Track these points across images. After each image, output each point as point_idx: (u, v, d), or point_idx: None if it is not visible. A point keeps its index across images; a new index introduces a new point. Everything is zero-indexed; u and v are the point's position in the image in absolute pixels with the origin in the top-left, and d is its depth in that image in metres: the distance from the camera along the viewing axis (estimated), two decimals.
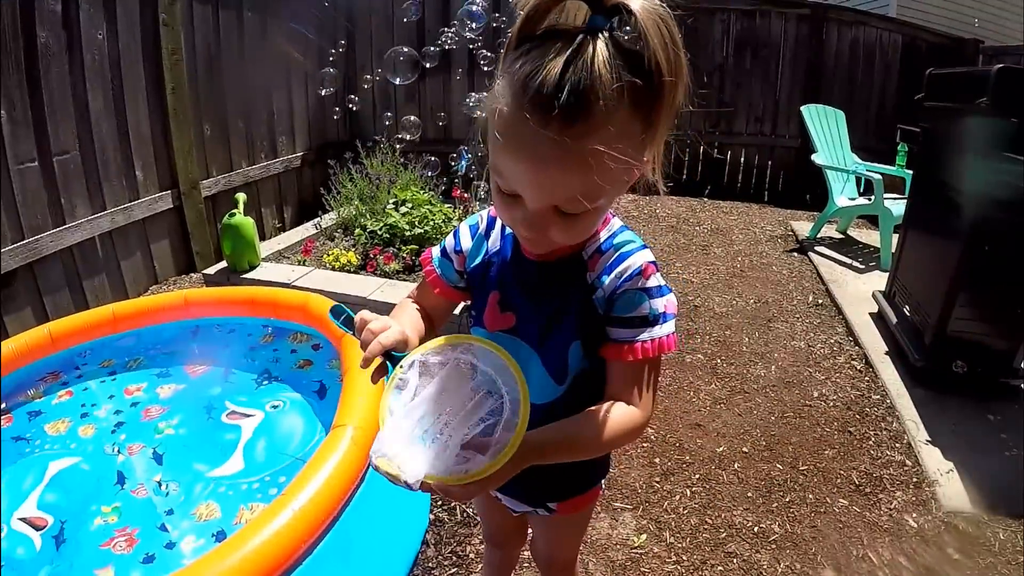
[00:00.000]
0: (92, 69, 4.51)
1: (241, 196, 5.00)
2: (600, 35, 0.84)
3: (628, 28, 0.86)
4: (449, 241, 1.34)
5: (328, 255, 5.07)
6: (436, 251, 1.37)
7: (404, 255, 4.91)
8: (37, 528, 2.33)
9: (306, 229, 5.98)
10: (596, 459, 1.34)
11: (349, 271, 4.86)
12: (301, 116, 6.74)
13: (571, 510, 1.46)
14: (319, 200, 6.21)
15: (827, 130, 6.59)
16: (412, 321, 1.32)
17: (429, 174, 5.49)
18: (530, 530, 1.82)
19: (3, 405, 2.92)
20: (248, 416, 2.95)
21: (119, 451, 2.73)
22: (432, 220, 5.17)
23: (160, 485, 2.51)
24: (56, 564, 2.18)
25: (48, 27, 4.18)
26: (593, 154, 0.86)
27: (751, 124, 8.20)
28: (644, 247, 1.15)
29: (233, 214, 4.84)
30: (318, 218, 6.03)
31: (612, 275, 1.11)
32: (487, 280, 1.25)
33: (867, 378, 3.81)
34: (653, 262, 1.14)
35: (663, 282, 1.14)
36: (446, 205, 5.49)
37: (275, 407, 3.01)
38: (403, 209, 5.32)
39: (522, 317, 1.20)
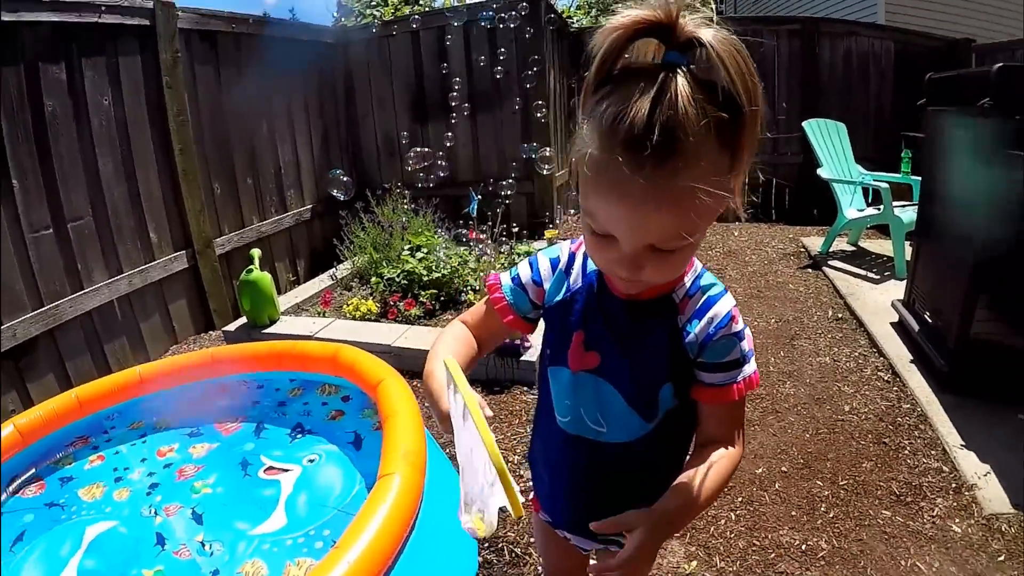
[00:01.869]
0: (100, 134, 4.60)
1: (256, 252, 5.05)
2: (679, 71, 0.85)
3: (703, 61, 0.86)
4: (524, 271, 1.31)
5: (348, 305, 5.09)
6: (506, 278, 1.34)
7: (424, 300, 4.93)
8: None
9: (321, 281, 6.01)
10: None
11: (370, 319, 4.87)
12: (308, 169, 6.82)
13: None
14: (332, 251, 6.25)
15: (830, 143, 6.63)
16: (464, 358, 1.29)
17: (441, 216, 5.56)
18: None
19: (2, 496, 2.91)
20: (286, 471, 2.93)
21: (156, 513, 2.69)
22: (450, 264, 5.19)
23: (203, 545, 2.48)
24: None
25: (55, 95, 4.28)
26: (687, 191, 0.86)
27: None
28: (726, 291, 1.17)
29: (250, 270, 4.88)
30: (333, 269, 6.06)
31: (703, 321, 1.13)
32: (570, 319, 1.23)
33: (895, 388, 3.78)
34: (735, 305, 1.16)
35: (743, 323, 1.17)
36: (461, 248, 5.53)
37: (311, 460, 2.99)
38: (419, 255, 5.36)
39: (607, 357, 1.19)
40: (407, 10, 7.87)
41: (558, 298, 1.25)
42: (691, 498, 1.09)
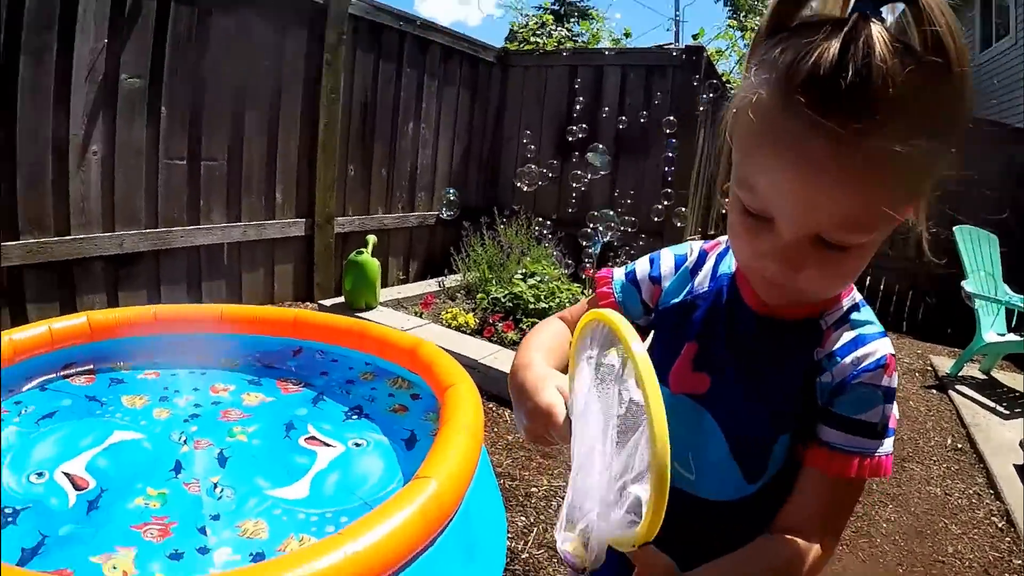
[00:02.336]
0: (254, 90, 4.74)
1: (372, 238, 5.02)
2: (873, 20, 0.67)
3: (903, 12, 0.69)
4: (642, 266, 1.07)
5: (447, 312, 4.95)
6: (619, 274, 1.09)
7: (525, 327, 4.71)
8: (77, 487, 2.22)
9: (428, 285, 5.92)
10: None
11: (465, 332, 4.69)
12: (443, 176, 6.82)
13: None
14: (447, 260, 6.17)
15: (979, 255, 5.97)
16: (558, 358, 1.00)
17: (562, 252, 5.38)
18: None
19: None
20: (327, 446, 2.75)
21: (185, 441, 2.58)
22: (559, 297, 4.97)
23: (215, 487, 2.32)
24: (80, 525, 2.04)
25: (220, 42, 4.43)
26: (880, 161, 0.66)
27: (895, 246, 7.56)
28: (885, 333, 0.89)
29: (360, 252, 4.85)
30: (443, 276, 5.97)
31: (848, 359, 0.86)
32: (685, 326, 0.98)
33: (1008, 538, 3.23)
34: (895, 356, 0.87)
35: None
36: (575, 285, 5.30)
37: (358, 445, 2.80)
38: (531, 281, 5.17)
39: (720, 383, 0.93)
40: (569, 44, 7.82)
41: (676, 300, 1.01)
42: None
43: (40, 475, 2.25)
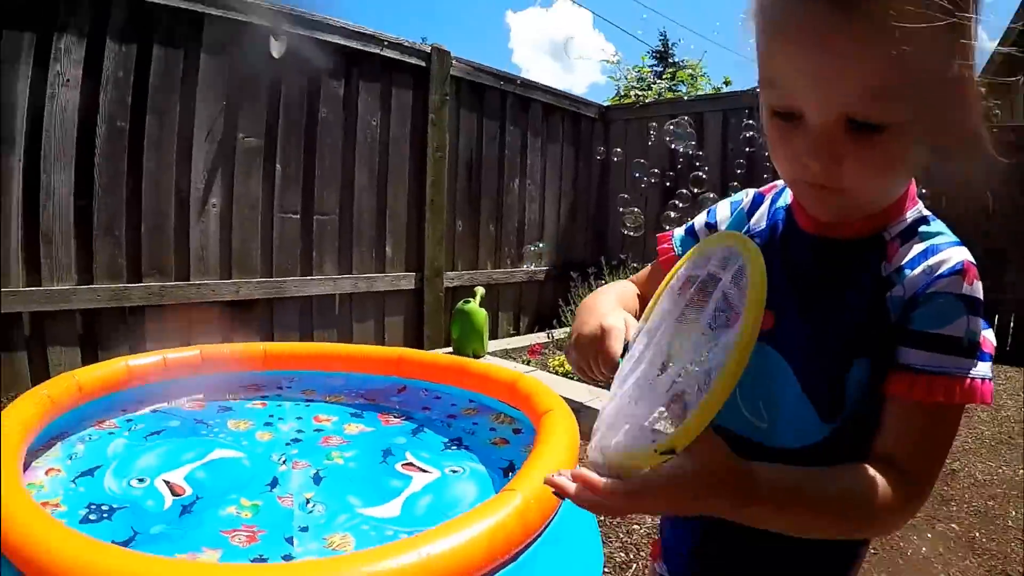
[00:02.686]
0: (362, 148, 4.97)
1: (480, 289, 5.06)
2: None
3: None
4: (699, 219, 1.04)
5: (554, 359, 4.87)
6: (679, 231, 1.06)
7: None
8: (174, 493, 2.28)
9: (537, 337, 5.87)
10: (831, 560, 0.89)
11: (572, 379, 4.59)
12: (551, 232, 6.83)
13: None
14: (557, 314, 6.12)
15: None
16: (626, 303, 0.98)
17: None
18: None
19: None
20: (423, 471, 2.70)
21: (284, 461, 2.60)
22: None
23: (307, 502, 2.30)
24: (172, 526, 2.08)
25: (329, 105, 4.71)
26: (887, 21, 0.63)
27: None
28: (961, 243, 0.79)
29: (468, 301, 4.88)
30: (552, 329, 5.91)
31: (919, 269, 0.77)
32: None
33: None
34: (975, 264, 0.77)
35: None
36: None
37: (453, 471, 2.74)
38: None
39: (786, 316, 0.83)
40: (670, 95, 7.78)
41: None
42: (793, 482, 0.72)
43: (141, 480, 2.32)
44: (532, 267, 5.84)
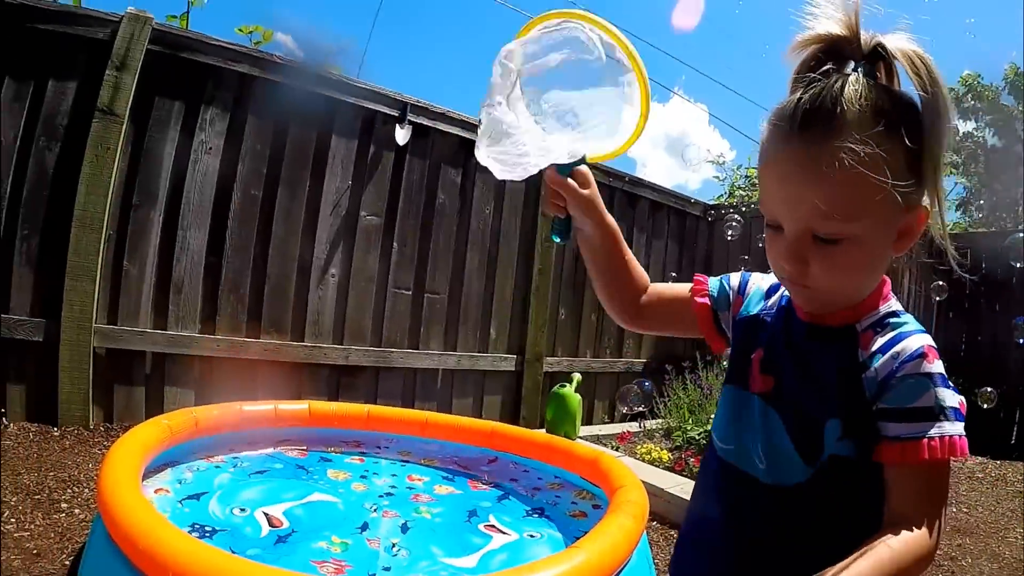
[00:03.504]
0: (475, 233, 5.26)
1: (576, 376, 5.13)
2: (855, 72, 0.92)
3: (884, 64, 0.93)
4: (734, 277, 1.25)
5: (642, 447, 4.84)
6: (714, 280, 1.26)
7: None
8: (272, 524, 2.42)
9: (629, 426, 5.84)
10: None
11: (658, 467, 4.56)
12: None
13: None
14: (652, 407, 6.10)
15: None
16: (631, 256, 1.26)
17: None
18: None
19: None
20: (503, 533, 2.77)
21: (375, 510, 2.73)
22: None
23: (393, 546, 2.41)
24: (266, 551, 2.21)
25: (447, 192, 5.06)
26: (836, 159, 0.86)
27: None
28: (924, 331, 1.00)
29: (564, 385, 4.97)
30: (645, 419, 5.88)
31: (887, 355, 0.96)
32: (755, 336, 1.15)
33: None
34: (935, 347, 0.96)
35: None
36: None
37: (532, 536, 2.79)
38: None
39: (782, 382, 1.07)
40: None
41: (751, 312, 1.18)
42: None
43: (243, 510, 2.48)
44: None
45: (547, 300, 5.69)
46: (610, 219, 1.19)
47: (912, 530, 0.87)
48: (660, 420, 5.74)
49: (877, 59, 0.93)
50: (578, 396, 4.98)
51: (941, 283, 3.82)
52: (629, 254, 1.25)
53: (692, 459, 4.48)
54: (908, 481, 0.91)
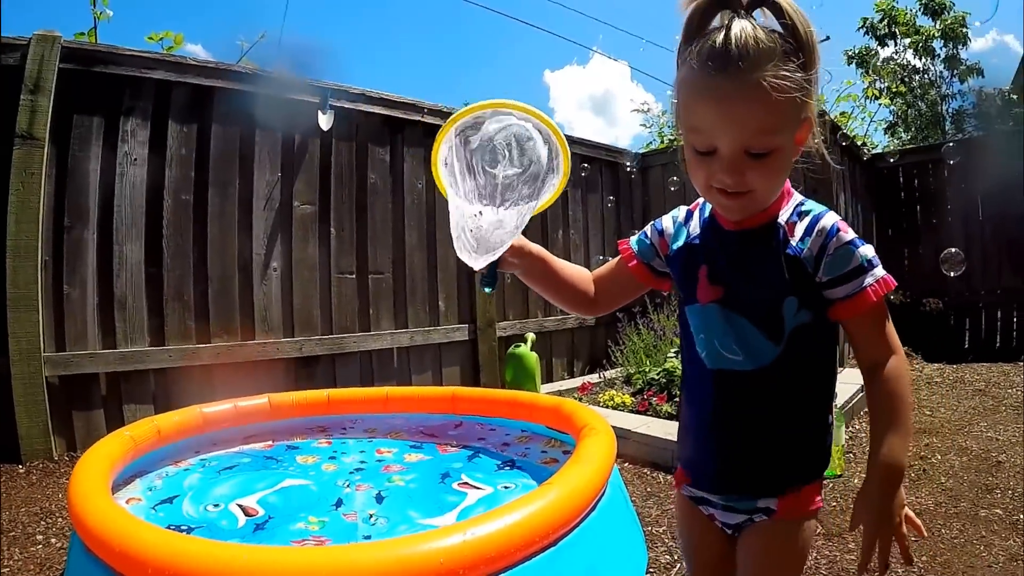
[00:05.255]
0: (410, 209, 5.28)
1: (531, 335, 5.22)
2: (750, 17, 1.12)
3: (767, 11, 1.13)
4: (648, 228, 1.48)
5: (603, 394, 4.96)
6: (633, 238, 1.50)
7: (679, 398, 4.62)
8: (247, 514, 2.45)
9: (589, 378, 5.97)
10: (811, 446, 1.33)
11: (622, 411, 4.68)
12: None
13: (793, 512, 1.32)
14: (608, 356, 6.23)
15: None
16: (565, 264, 1.51)
17: None
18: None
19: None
20: (477, 488, 2.84)
21: (348, 485, 2.77)
22: None
23: (370, 517, 2.46)
24: (246, 540, 2.25)
25: (377, 171, 5.05)
26: (763, 85, 1.07)
27: None
28: (828, 209, 1.27)
29: (519, 345, 5.04)
30: (604, 370, 6.01)
31: (813, 236, 1.21)
32: (693, 258, 1.34)
33: None
34: (843, 219, 1.24)
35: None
36: None
37: (506, 487, 2.86)
38: None
39: (730, 286, 1.27)
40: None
41: (679, 243, 1.39)
42: (892, 436, 1.17)
43: (216, 506, 2.50)
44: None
45: None
46: (535, 248, 1.44)
47: (888, 361, 1.20)
48: (619, 368, 5.88)
49: (758, 6, 1.13)
50: (534, 354, 5.07)
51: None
52: (563, 265, 1.49)
53: (655, 399, 4.61)
54: (864, 325, 1.22)
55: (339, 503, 2.59)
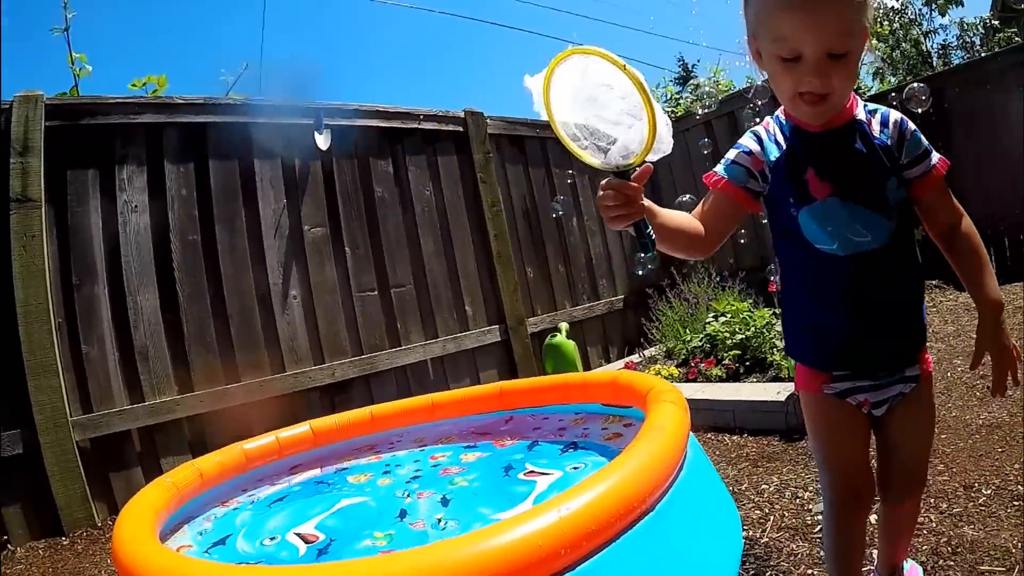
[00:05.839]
0: (422, 218, 5.15)
1: (564, 324, 5.06)
2: None
3: None
4: (732, 152, 1.59)
5: (648, 371, 4.78)
6: (719, 166, 1.60)
7: (727, 361, 4.44)
8: (307, 542, 2.28)
9: (629, 359, 5.79)
10: (924, 310, 1.57)
11: (672, 381, 4.50)
12: (619, 262, 6.87)
13: (926, 373, 1.59)
14: (644, 334, 6.06)
15: None
16: (671, 211, 1.51)
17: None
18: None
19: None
20: (545, 475, 2.66)
21: (408, 495, 2.59)
22: (753, 325, 4.66)
23: (439, 522, 2.29)
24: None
25: (383, 184, 4.93)
26: None
27: None
28: (890, 107, 1.51)
29: (554, 335, 4.89)
30: (640, 349, 5.84)
31: (889, 127, 1.46)
32: (796, 163, 1.49)
33: None
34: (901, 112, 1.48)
35: None
36: (766, 309, 4.96)
37: (575, 468, 2.68)
38: (722, 320, 4.92)
39: (840, 180, 1.45)
40: (698, 106, 7.80)
41: (775, 156, 1.52)
42: (985, 279, 1.47)
43: (273, 539, 2.33)
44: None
45: (511, 264, 5.61)
46: (649, 204, 1.39)
47: (962, 220, 1.52)
48: (656, 346, 5.70)
49: None
50: (571, 342, 4.92)
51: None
52: (671, 212, 1.50)
53: (702, 364, 4.44)
54: (937, 195, 1.50)
55: (403, 514, 2.42)
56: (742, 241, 6.25)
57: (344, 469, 3.10)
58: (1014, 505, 2.27)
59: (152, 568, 1.63)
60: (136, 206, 3.83)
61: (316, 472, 3.13)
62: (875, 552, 1.95)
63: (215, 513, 2.75)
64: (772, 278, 4.79)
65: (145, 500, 2.31)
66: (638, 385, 2.77)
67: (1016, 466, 2.50)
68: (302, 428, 3.28)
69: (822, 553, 2.18)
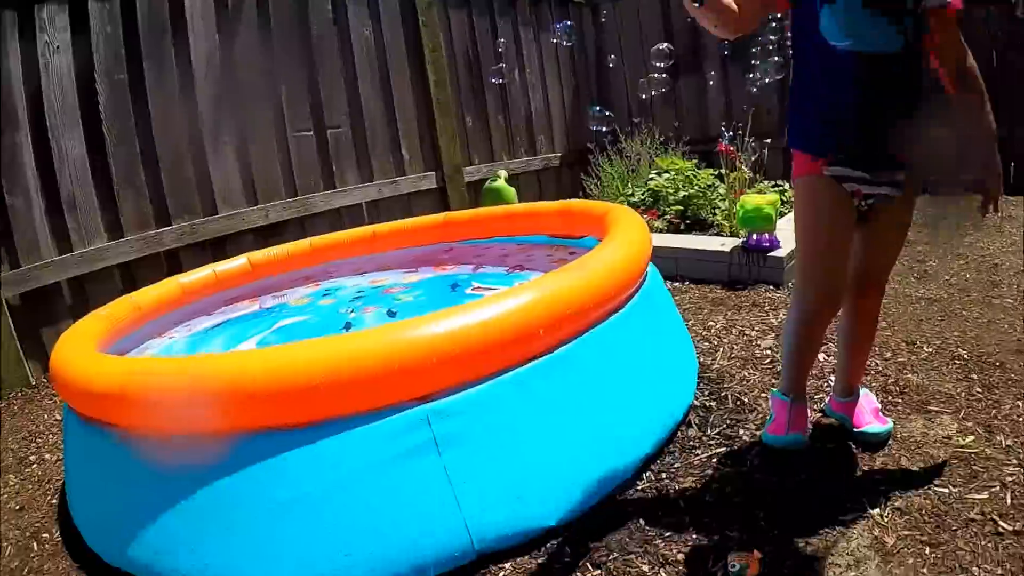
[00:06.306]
0: (360, 57, 4.86)
1: (503, 171, 4.95)
2: None
3: None
4: None
5: None
6: None
7: (670, 215, 4.46)
8: None
9: None
10: None
11: None
12: (558, 118, 6.73)
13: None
14: (583, 190, 6.04)
15: None
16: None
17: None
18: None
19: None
20: (492, 289, 2.65)
21: (352, 312, 2.58)
22: (697, 184, 4.65)
23: None
24: None
25: (319, 21, 4.62)
26: None
27: None
28: None
29: (495, 179, 4.79)
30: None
31: None
32: None
33: None
34: None
35: None
36: (709, 170, 4.94)
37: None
38: (665, 176, 4.90)
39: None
40: None
41: None
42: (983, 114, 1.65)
43: None
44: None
45: (451, 110, 5.44)
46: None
47: (967, 58, 1.63)
48: (595, 200, 5.67)
49: None
50: (512, 188, 4.82)
51: None
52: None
53: (645, 215, 4.47)
54: (950, 36, 1.59)
55: (348, 326, 2.39)
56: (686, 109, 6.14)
57: (282, 298, 3.02)
58: (955, 363, 2.40)
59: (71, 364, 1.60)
60: (58, 46, 3.47)
61: (255, 305, 3.05)
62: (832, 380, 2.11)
63: (150, 344, 2.66)
64: (722, 140, 4.70)
65: (82, 330, 2.19)
66: (594, 210, 2.76)
67: (955, 333, 2.64)
68: (240, 261, 3.20)
69: (774, 382, 2.29)
